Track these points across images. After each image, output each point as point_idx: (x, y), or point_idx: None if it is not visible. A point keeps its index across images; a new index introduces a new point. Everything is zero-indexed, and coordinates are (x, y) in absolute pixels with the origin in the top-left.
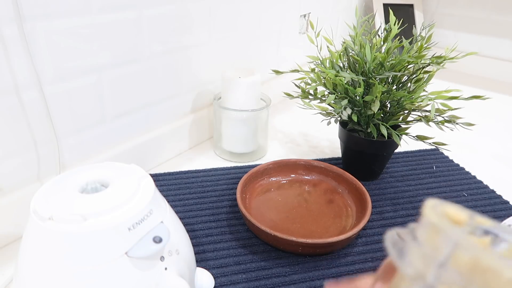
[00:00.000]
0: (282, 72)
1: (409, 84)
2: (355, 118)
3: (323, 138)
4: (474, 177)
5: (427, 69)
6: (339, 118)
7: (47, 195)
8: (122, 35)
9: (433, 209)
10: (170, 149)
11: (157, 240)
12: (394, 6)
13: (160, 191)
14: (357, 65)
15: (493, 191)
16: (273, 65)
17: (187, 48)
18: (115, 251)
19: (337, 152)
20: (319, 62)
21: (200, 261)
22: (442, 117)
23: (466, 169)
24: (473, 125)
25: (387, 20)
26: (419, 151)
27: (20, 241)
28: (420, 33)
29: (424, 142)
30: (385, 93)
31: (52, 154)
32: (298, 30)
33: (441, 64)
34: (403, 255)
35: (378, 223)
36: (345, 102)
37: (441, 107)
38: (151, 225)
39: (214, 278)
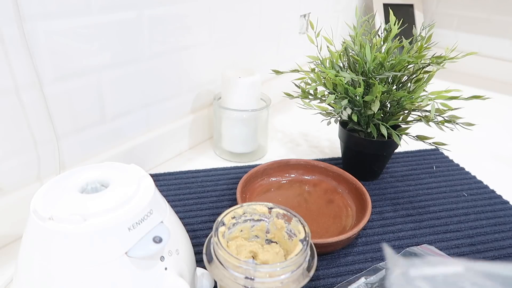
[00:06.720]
0: (282, 72)
1: (409, 84)
2: (355, 118)
3: (323, 138)
4: (474, 177)
5: (427, 69)
6: (339, 118)
7: (47, 195)
8: (122, 35)
9: None
10: (170, 149)
11: (157, 240)
12: (394, 6)
13: (160, 191)
14: (357, 65)
15: (493, 191)
16: (273, 65)
17: (187, 48)
18: (115, 251)
19: (337, 152)
20: (319, 62)
21: (200, 261)
22: (442, 117)
23: (466, 169)
24: (473, 125)
25: (387, 20)
26: (419, 151)
27: (20, 241)
28: (420, 33)
29: (424, 142)
30: (385, 93)
31: (52, 154)
32: (298, 30)
33: (441, 64)
34: None
35: (378, 223)
36: (345, 102)
37: (441, 107)
38: (151, 225)
39: None
